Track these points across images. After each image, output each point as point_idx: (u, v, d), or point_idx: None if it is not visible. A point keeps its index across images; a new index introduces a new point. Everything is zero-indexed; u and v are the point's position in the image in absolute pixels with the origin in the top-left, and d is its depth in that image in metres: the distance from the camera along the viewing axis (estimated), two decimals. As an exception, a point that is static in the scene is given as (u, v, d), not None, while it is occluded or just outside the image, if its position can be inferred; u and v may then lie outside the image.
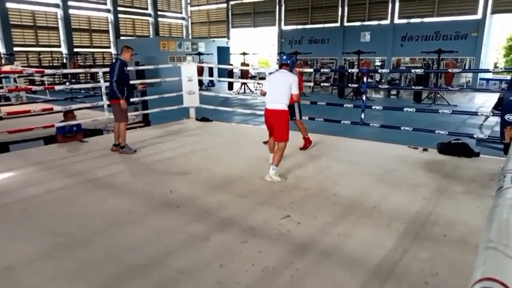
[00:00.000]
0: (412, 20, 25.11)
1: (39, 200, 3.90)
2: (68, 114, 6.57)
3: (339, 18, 27.86)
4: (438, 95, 16.96)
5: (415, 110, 6.66)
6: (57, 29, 27.53)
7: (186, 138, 6.78)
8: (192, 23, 37.44)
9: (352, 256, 2.82)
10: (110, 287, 2.47)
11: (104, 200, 3.97)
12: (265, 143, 5.54)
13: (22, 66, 15.25)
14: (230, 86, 21.28)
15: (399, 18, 25.53)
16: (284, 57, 4.76)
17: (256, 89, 21.25)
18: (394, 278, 2.54)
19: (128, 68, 5.77)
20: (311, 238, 3.07)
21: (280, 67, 4.70)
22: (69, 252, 2.89)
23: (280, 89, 4.48)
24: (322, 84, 18.19)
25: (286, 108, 4.51)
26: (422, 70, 15.16)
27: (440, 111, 6.44)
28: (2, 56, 23.58)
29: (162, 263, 2.73)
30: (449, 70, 9.88)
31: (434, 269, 2.61)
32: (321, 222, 3.36)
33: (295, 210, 3.59)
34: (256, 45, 33.94)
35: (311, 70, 18.72)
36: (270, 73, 5.02)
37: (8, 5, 24.40)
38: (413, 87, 16.38)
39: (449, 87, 17.04)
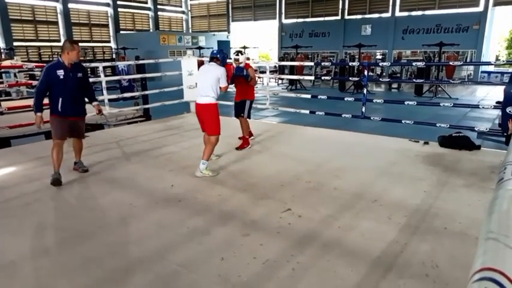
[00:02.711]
0: (413, 13, 24.96)
1: (40, 195, 3.91)
2: (69, 109, 6.55)
3: (340, 11, 27.70)
4: (439, 88, 16.90)
5: (416, 103, 6.64)
6: (56, 23, 27.46)
7: (186, 133, 6.77)
8: (192, 17, 37.28)
9: (353, 249, 2.83)
10: (112, 281, 2.49)
11: (105, 194, 3.98)
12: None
13: (22, 61, 15.22)
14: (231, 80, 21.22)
15: (400, 10, 25.38)
16: (214, 51, 4.69)
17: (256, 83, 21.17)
18: (394, 270, 2.55)
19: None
20: (312, 231, 3.08)
21: (211, 60, 4.61)
22: (71, 246, 2.91)
23: (206, 83, 4.43)
24: (322, 77, 18.15)
25: (213, 102, 4.47)
26: (424, 63, 15.06)
27: (441, 104, 6.42)
28: (2, 50, 23.52)
29: (163, 257, 2.75)
30: (451, 63, 9.84)
31: (435, 261, 2.62)
32: (322, 216, 3.37)
33: (296, 204, 3.60)
34: (256, 38, 33.79)
35: (312, 64, 18.68)
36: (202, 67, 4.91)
37: (7, -1, 24.33)
38: (414, 80, 16.32)
39: (451, 80, 16.98)
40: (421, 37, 23.37)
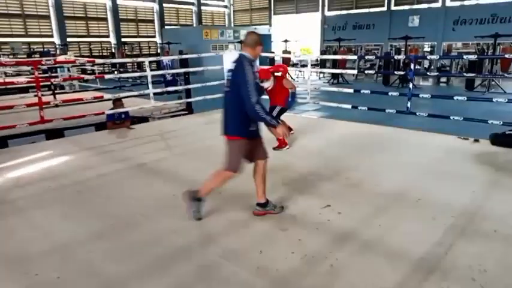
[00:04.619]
0: (466, 2, 23.53)
1: (91, 184, 4.15)
2: (117, 102, 6.88)
3: (386, 2, 26.70)
4: (493, 83, 15.90)
5: (466, 98, 6.31)
6: (106, 19, 28.68)
7: (227, 126, 6.88)
8: (234, 11, 37.52)
9: (394, 248, 2.77)
10: (157, 268, 2.60)
11: (150, 184, 4.15)
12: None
13: (75, 56, 16.10)
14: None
15: (451, 0, 24.03)
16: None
17: (297, 77, 21.04)
18: (438, 272, 2.46)
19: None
20: (352, 228, 3.05)
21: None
22: (119, 233, 3.07)
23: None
24: (366, 71, 17.67)
25: None
26: (476, 56, 14.21)
27: (494, 99, 6.06)
28: (57, 46, 25.00)
29: (204, 247, 2.83)
30: (506, 56, 9.17)
31: (483, 265, 2.50)
32: (362, 213, 3.32)
33: (336, 200, 3.57)
34: (298, 31, 33.38)
35: (355, 57, 18.25)
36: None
37: (62, -3, 25.75)
38: (465, 74, 15.46)
39: (506, 74, 15.91)
40: (474, 28, 22.02)
